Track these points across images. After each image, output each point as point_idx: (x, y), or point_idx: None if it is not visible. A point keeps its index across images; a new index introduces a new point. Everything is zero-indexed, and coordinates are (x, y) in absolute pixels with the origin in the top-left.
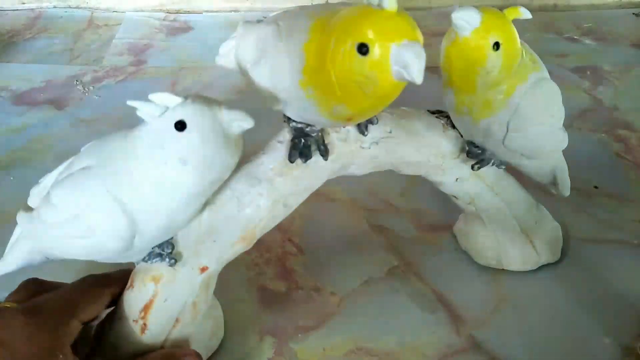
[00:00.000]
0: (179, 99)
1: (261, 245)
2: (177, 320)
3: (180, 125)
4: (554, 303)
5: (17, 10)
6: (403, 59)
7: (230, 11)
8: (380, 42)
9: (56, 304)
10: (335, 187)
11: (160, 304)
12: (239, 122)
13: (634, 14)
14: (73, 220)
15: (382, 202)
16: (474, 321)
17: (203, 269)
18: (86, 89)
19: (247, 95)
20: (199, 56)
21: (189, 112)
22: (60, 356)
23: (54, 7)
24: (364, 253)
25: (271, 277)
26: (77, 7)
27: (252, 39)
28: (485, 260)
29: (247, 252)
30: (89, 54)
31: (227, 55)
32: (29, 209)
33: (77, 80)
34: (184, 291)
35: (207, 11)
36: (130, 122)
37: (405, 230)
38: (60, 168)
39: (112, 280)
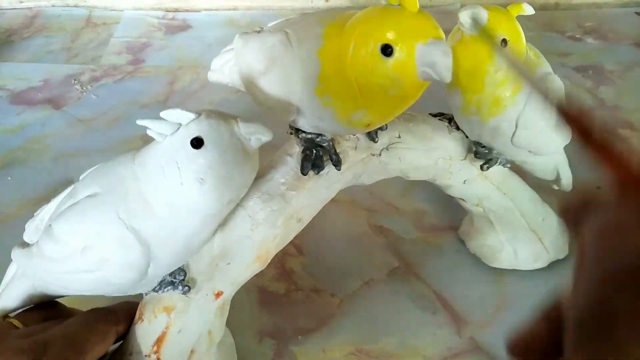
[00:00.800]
0: (192, 115)
1: None
2: (192, 352)
3: (197, 142)
4: None
5: (15, 9)
6: (430, 58)
7: (229, 9)
8: (405, 42)
9: (62, 342)
10: None
11: (174, 336)
12: (257, 135)
13: (636, 12)
14: (82, 254)
15: (383, 202)
16: (475, 322)
17: (218, 294)
18: (84, 88)
19: (246, 95)
20: (197, 55)
21: (204, 128)
22: None
23: (52, 5)
24: (364, 254)
25: (271, 279)
26: (75, 6)
27: (257, 49)
28: (498, 263)
29: None
30: (86, 53)
31: (221, 69)
32: (26, 245)
33: (75, 80)
34: (199, 320)
35: (205, 9)
36: (129, 121)
37: (406, 231)
38: (59, 198)
39: (120, 316)
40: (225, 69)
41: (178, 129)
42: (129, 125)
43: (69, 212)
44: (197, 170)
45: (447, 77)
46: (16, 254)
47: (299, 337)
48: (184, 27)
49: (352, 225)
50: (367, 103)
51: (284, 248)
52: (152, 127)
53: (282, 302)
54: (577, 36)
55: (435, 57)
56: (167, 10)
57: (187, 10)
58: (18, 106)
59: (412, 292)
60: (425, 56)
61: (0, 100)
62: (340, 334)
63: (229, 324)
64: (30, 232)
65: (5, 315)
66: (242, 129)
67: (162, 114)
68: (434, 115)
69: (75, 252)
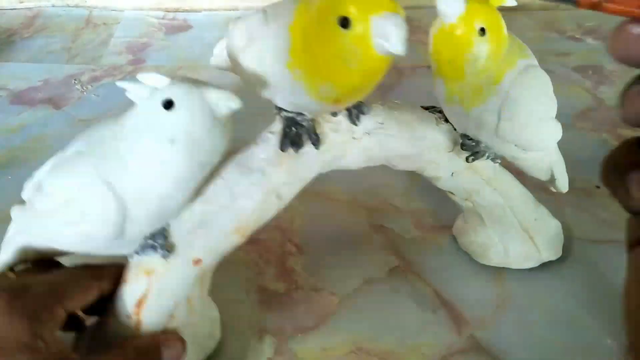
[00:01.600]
0: (167, 80)
1: (260, 245)
2: (172, 317)
3: (168, 104)
4: (555, 303)
5: (16, 9)
6: (383, 30)
7: (230, 10)
8: (361, 14)
9: (43, 287)
10: (335, 186)
11: (154, 298)
12: (226, 102)
13: None
14: (65, 206)
15: (383, 201)
16: (475, 321)
17: (197, 262)
18: (84, 88)
19: (247, 94)
20: (198, 55)
21: (176, 92)
22: (40, 343)
23: (52, 6)
24: (364, 253)
25: (271, 277)
26: (76, 6)
27: (241, 28)
28: (487, 260)
29: (246, 252)
30: (87, 53)
31: (221, 54)
32: (23, 203)
33: (75, 80)
34: (178, 285)
35: (206, 10)
36: None
37: (405, 230)
38: (53, 159)
39: (105, 274)
40: (223, 54)
41: (154, 92)
42: None
43: (57, 167)
44: (168, 130)
45: (400, 49)
46: (14, 211)
47: (299, 335)
48: (185, 27)
49: (352, 225)
50: (331, 76)
51: (283, 248)
52: (130, 89)
53: (282, 301)
54: (577, 36)
55: (389, 29)
56: (168, 11)
57: (187, 11)
58: (18, 106)
59: (412, 291)
60: (379, 28)
61: (1, 100)
62: (340, 333)
63: (228, 322)
64: (28, 191)
65: (10, 269)
66: (213, 95)
67: (139, 76)
68: (425, 108)
69: (60, 205)
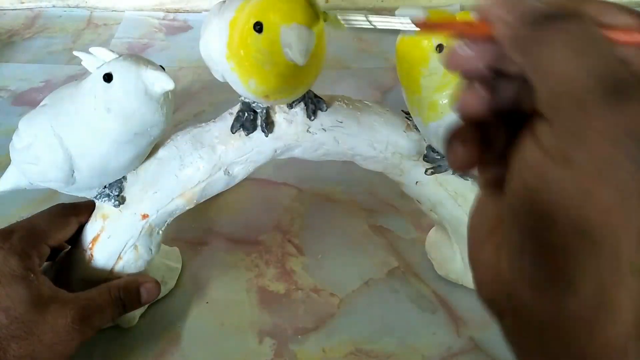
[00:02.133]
0: (114, 55)
1: (261, 246)
2: (119, 257)
3: (108, 77)
4: None
5: (16, 9)
6: (288, 40)
7: None
8: (272, 22)
9: (26, 229)
10: (335, 187)
11: (105, 239)
12: (161, 82)
13: None
14: (28, 148)
15: (382, 203)
16: (475, 322)
17: (144, 216)
18: None
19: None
20: (198, 56)
21: (117, 67)
22: (32, 275)
23: (53, 6)
24: (363, 254)
25: (271, 278)
26: (76, 7)
27: (207, 17)
28: (445, 272)
29: (246, 253)
30: None
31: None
32: None
33: (76, 80)
34: (125, 232)
35: (206, 10)
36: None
37: (405, 231)
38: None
39: (80, 210)
40: None
41: (102, 65)
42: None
43: (29, 114)
44: (105, 100)
45: (299, 60)
46: (9, 147)
47: (299, 336)
48: (185, 27)
49: (351, 225)
50: (253, 73)
51: (283, 249)
52: (84, 58)
53: (282, 302)
54: None
55: (292, 39)
56: (168, 11)
57: (188, 11)
58: (20, 107)
59: (411, 292)
60: (285, 38)
61: (2, 101)
62: (340, 334)
63: (229, 323)
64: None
65: None
66: (149, 74)
67: (92, 49)
68: (406, 113)
69: (25, 147)
